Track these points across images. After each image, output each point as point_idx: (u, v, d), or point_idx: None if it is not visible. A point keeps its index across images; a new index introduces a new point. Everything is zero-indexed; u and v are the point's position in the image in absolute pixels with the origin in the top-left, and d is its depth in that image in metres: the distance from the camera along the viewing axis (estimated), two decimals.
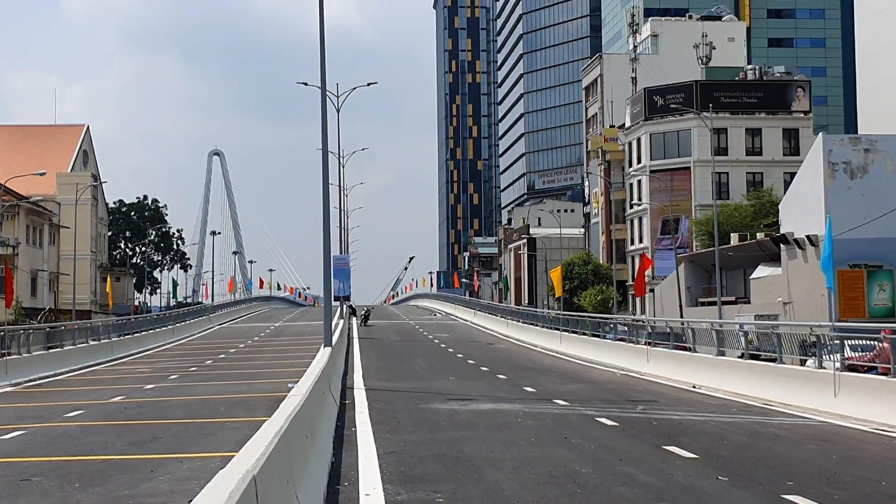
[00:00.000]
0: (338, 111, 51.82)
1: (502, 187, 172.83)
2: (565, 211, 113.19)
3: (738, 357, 25.11)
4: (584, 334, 40.06)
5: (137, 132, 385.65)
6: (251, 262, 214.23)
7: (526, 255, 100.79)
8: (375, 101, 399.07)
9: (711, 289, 62.88)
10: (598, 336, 38.24)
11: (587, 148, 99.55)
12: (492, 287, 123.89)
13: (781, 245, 48.99)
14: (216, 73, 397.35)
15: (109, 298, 61.91)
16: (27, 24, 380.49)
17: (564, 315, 46.01)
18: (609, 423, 17.36)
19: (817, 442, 15.19)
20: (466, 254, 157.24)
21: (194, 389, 25.95)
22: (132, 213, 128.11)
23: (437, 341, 48.39)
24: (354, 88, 51.44)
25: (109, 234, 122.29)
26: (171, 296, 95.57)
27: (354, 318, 66.22)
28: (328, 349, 23.86)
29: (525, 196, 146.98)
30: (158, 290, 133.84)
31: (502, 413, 19.03)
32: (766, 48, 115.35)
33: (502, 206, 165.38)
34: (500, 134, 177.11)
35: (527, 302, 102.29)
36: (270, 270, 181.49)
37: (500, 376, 28.93)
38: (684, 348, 28.96)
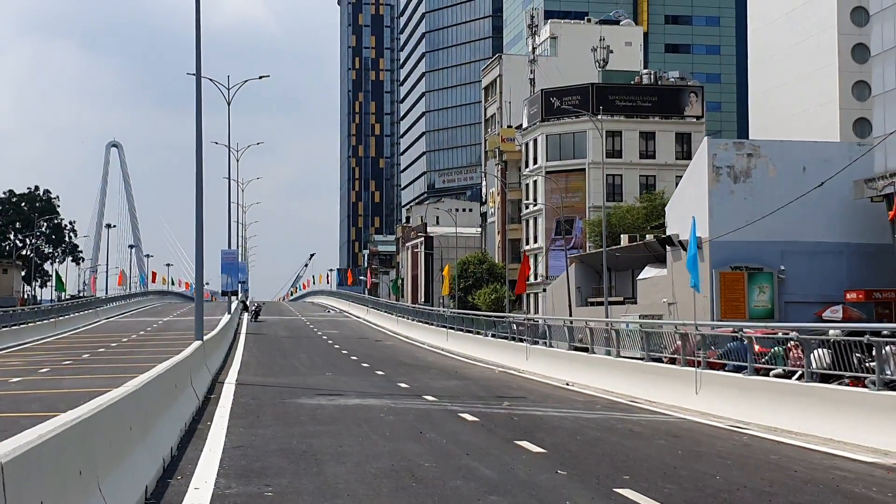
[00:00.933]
0: (228, 103, 51.21)
1: (403, 186, 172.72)
2: (463, 210, 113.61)
3: (605, 355, 25.50)
4: (469, 332, 40.20)
5: (35, 122, 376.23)
6: (148, 256, 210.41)
7: (423, 253, 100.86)
8: (279, 97, 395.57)
9: (601, 289, 63.68)
10: (480, 334, 38.37)
11: (485, 148, 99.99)
12: (388, 285, 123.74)
13: (667, 246, 49.78)
14: (117, 63, 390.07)
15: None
16: None
17: (451, 313, 46.13)
18: (470, 418, 17.34)
19: (668, 438, 15.35)
20: (367, 252, 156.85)
21: (61, 383, 25.23)
22: (22, 204, 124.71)
23: (325, 338, 48.07)
24: (246, 81, 51.03)
25: None
26: (56, 288, 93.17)
27: (246, 314, 65.50)
28: (197, 343, 23.47)
29: (425, 195, 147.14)
30: (49, 283, 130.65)
31: (367, 408, 18.90)
32: (662, 53, 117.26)
33: (402, 204, 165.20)
34: (401, 132, 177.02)
35: (423, 300, 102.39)
36: (168, 265, 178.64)
37: (379, 372, 28.79)
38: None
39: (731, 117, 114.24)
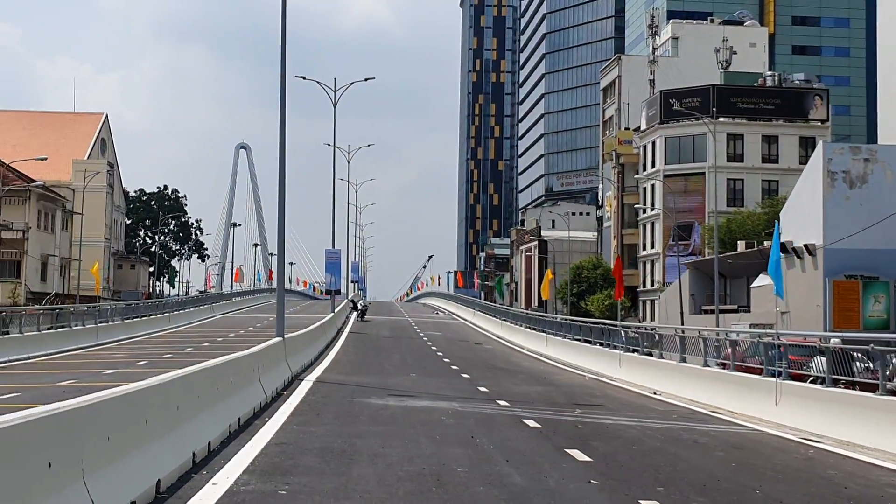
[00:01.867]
0: (334, 105, 51.82)
1: (521, 188, 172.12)
2: (580, 214, 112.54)
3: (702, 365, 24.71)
4: (566, 337, 39.68)
5: (169, 123, 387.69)
6: (272, 254, 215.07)
7: (536, 257, 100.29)
8: (401, 99, 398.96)
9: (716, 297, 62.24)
10: (577, 340, 37.80)
11: (602, 150, 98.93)
12: (504, 288, 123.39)
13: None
14: (247, 67, 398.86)
15: (97, 284, 61.56)
16: (59, 13, 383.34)
17: (550, 318, 45.70)
18: (533, 424, 16.95)
19: (729, 449, 14.74)
20: (483, 254, 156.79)
21: (149, 376, 25.67)
22: (152, 203, 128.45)
23: (425, 339, 48.07)
24: (351, 84, 51.50)
25: (129, 222, 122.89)
26: (170, 284, 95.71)
27: (355, 313, 66.02)
28: (276, 339, 23.63)
29: (543, 198, 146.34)
30: (176, 279, 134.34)
31: (432, 411, 18.67)
32: (790, 55, 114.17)
33: (520, 207, 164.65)
34: (520, 134, 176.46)
35: (536, 304, 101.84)
36: (291, 263, 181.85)
37: (464, 375, 28.55)
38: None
39: (860, 121, 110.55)
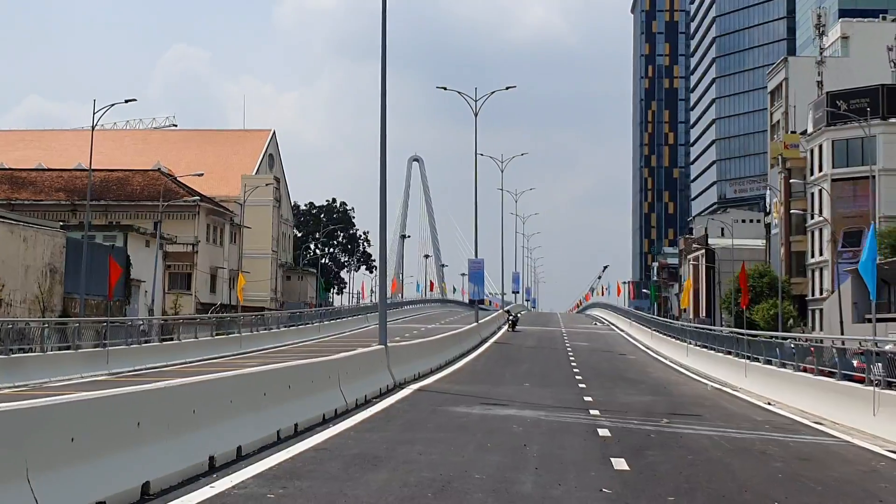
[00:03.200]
0: (475, 115, 51.79)
1: (693, 196, 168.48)
2: (750, 221, 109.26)
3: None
4: (706, 347, 38.55)
5: (344, 138, 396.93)
6: (443, 265, 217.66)
7: (703, 266, 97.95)
8: (575, 107, 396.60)
9: (880, 305, 59.37)
10: (713, 349, 36.66)
11: (769, 155, 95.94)
12: (674, 299, 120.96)
13: None
14: (420, 80, 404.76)
15: (239, 294, 63.33)
16: (244, 36, 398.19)
17: (692, 328, 44.52)
18: (604, 433, 16.50)
19: (794, 461, 14.00)
20: (656, 264, 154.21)
21: None
22: (321, 216, 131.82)
23: (569, 349, 47.52)
24: (493, 93, 51.46)
25: (300, 235, 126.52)
26: (320, 296, 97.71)
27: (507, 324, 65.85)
28: (376, 347, 23.80)
29: (715, 205, 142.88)
30: (345, 290, 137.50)
31: (510, 419, 18.41)
32: None
33: (692, 215, 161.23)
34: (692, 140, 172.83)
35: (704, 314, 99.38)
36: (462, 275, 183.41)
37: (581, 385, 28.07)
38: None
39: None
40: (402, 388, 24.15)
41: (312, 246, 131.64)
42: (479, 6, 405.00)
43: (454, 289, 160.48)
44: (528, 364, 37.25)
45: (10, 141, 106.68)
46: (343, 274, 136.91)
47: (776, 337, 32.00)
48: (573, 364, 37.60)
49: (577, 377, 31.34)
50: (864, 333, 50.92)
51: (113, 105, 48.68)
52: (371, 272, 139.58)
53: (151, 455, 10.13)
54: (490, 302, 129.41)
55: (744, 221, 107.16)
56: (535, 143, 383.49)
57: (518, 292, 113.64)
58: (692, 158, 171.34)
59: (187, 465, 10.97)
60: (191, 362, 35.52)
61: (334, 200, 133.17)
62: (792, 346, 25.35)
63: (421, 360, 29.89)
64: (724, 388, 28.81)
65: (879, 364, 18.46)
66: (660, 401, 24.26)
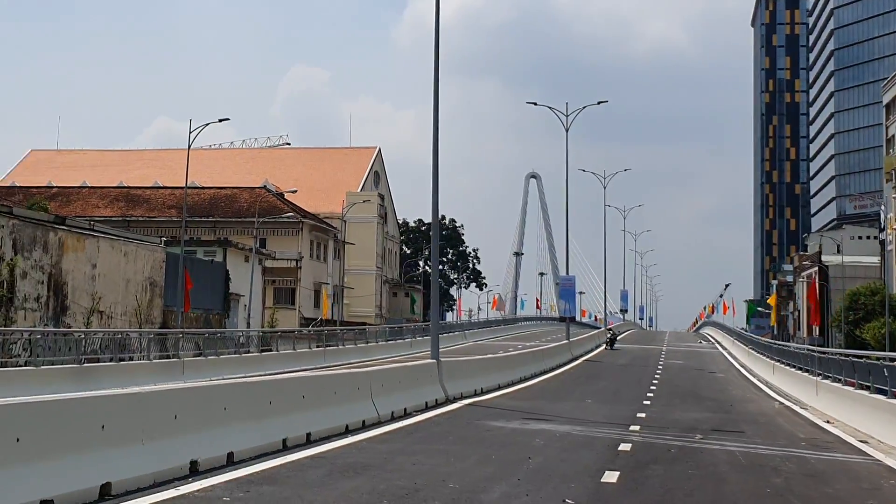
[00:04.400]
0: (566, 130, 51.61)
1: (813, 212, 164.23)
2: (867, 238, 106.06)
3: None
4: (790, 366, 37.63)
5: (461, 155, 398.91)
6: (558, 283, 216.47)
7: (817, 283, 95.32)
8: (694, 122, 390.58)
9: None
10: (799, 368, 35.78)
11: (884, 170, 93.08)
12: (790, 317, 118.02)
13: None
14: (539, 97, 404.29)
15: (324, 310, 64.14)
16: (362, 56, 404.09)
17: (777, 346, 43.49)
18: (623, 448, 16.38)
19: (797, 477, 13.70)
20: (776, 282, 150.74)
21: None
22: (430, 232, 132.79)
23: (659, 368, 46.87)
24: (584, 107, 51.22)
25: (409, 252, 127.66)
26: (411, 311, 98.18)
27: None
28: (425, 362, 23.98)
29: (835, 221, 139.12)
30: (454, 307, 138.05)
31: (538, 433, 18.33)
32: None
33: (812, 231, 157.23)
34: (811, 155, 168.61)
35: (817, 333, 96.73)
36: (580, 293, 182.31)
37: (645, 402, 27.72)
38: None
39: None
40: (453, 403, 24.27)
41: (422, 263, 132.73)
42: (598, 22, 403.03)
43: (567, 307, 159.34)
44: (606, 382, 36.94)
45: (130, 160, 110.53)
46: (453, 291, 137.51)
47: (857, 356, 31.11)
48: (654, 382, 37.15)
49: (649, 394, 30.97)
50: None
51: (207, 124, 50.29)
52: (481, 289, 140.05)
53: (115, 457, 10.49)
54: (603, 320, 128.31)
55: (860, 238, 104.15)
56: (654, 159, 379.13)
57: (626, 310, 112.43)
58: (812, 173, 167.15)
59: (163, 468, 11.30)
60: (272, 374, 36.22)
61: (443, 217, 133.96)
62: (852, 363, 24.59)
63: (484, 376, 29.89)
64: (793, 406, 28.15)
65: None
66: (714, 417, 23.85)
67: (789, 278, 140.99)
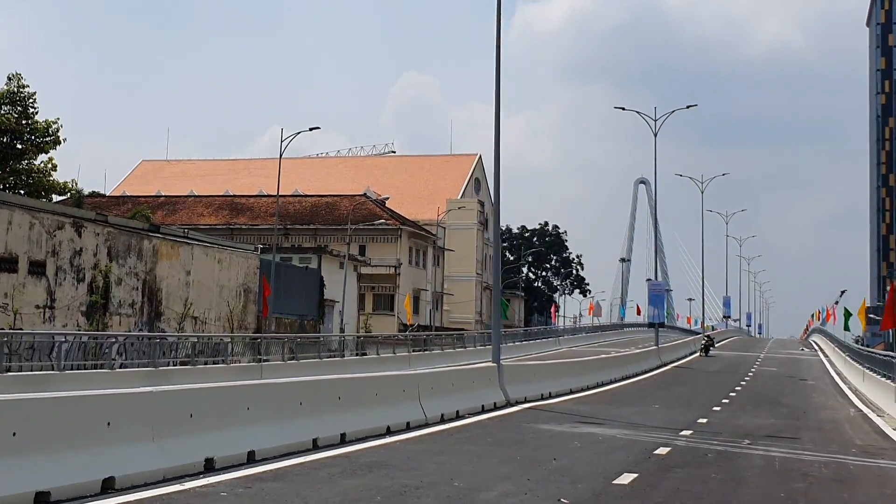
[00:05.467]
0: (655, 135, 51.20)
1: None
2: None
3: None
4: (873, 371, 36.67)
5: (570, 159, 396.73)
6: (668, 290, 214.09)
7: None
8: (808, 125, 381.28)
9: None
10: (876, 371, 34.87)
11: None
12: None
13: None
14: (649, 100, 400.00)
15: (408, 316, 64.47)
16: (472, 63, 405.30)
17: (865, 351, 42.39)
18: (660, 451, 16.31)
19: (821, 482, 13.48)
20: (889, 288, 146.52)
21: None
22: (533, 239, 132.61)
23: (749, 374, 46.04)
24: (672, 112, 50.70)
25: (512, 258, 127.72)
26: (503, 316, 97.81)
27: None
28: (483, 364, 24.12)
29: None
30: (559, 313, 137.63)
31: (582, 436, 18.32)
32: None
33: None
34: None
35: None
36: (689, 300, 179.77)
37: (715, 409, 27.32)
38: None
39: None
40: (513, 406, 24.37)
41: (525, 269, 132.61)
42: (710, 23, 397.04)
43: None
44: (686, 387, 36.50)
45: (237, 170, 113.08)
46: (557, 297, 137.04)
47: None
48: (737, 388, 36.59)
49: (724, 400, 30.53)
50: None
51: (299, 133, 51.35)
52: (584, 295, 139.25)
53: (120, 453, 10.92)
54: (712, 327, 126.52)
55: None
56: (769, 162, 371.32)
57: (729, 316, 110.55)
58: None
59: (173, 464, 11.70)
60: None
61: (546, 224, 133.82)
62: None
63: (554, 380, 29.87)
64: (870, 413, 27.47)
65: None
66: (779, 423, 23.44)
67: None
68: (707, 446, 17.61)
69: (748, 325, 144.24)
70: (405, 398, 18.80)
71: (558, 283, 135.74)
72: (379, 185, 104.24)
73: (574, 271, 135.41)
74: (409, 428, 18.25)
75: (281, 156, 51.92)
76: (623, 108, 52.87)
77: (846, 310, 66.87)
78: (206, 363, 39.00)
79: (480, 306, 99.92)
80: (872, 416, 26.90)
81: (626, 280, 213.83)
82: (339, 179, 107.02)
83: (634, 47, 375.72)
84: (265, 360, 37.51)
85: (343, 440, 15.76)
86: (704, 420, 23.25)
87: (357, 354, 48.57)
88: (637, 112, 51.84)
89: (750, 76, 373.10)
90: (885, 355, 33.88)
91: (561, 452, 15.65)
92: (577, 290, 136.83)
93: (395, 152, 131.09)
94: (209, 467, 12.30)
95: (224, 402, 13.16)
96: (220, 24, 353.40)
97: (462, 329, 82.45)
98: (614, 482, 12.65)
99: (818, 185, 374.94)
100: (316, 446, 14.85)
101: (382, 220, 78.26)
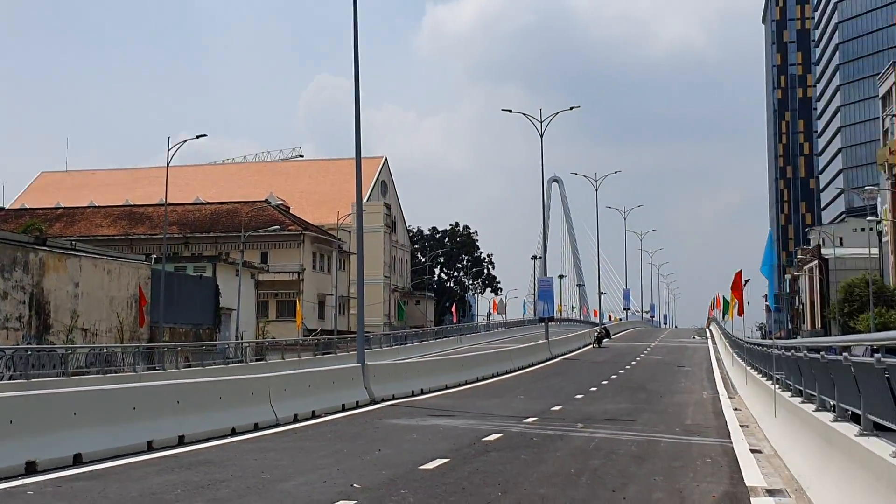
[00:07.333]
0: (541, 135, 52.44)
1: (823, 206, 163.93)
2: (870, 230, 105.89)
3: None
4: (734, 351, 38.39)
5: (487, 161, 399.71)
6: (580, 285, 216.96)
7: (817, 277, 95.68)
8: (711, 121, 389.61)
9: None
10: (738, 356, 36.50)
11: (878, 162, 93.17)
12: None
13: None
14: (558, 100, 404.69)
15: (297, 321, 65.12)
16: (385, 65, 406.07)
17: (734, 337, 44.19)
18: (488, 438, 17.26)
19: (626, 458, 14.48)
20: (788, 277, 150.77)
21: None
22: (445, 240, 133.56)
23: (632, 363, 47.55)
24: (557, 113, 52.13)
25: (423, 260, 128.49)
26: (399, 317, 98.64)
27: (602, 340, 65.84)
28: (351, 366, 24.91)
29: (844, 214, 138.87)
30: (469, 312, 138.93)
31: (425, 429, 19.18)
32: None
33: (824, 225, 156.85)
34: (819, 149, 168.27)
35: (819, 325, 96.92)
36: (601, 293, 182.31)
37: (578, 396, 28.53)
38: None
39: None
40: (377, 404, 25.21)
41: (437, 270, 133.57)
42: (616, 24, 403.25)
43: (572, 307, 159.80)
44: (563, 378, 37.70)
45: (137, 178, 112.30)
46: (470, 297, 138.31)
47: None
48: (613, 376, 37.97)
49: (592, 389, 31.73)
50: None
51: (186, 141, 51.52)
52: (496, 294, 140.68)
53: None
54: (620, 319, 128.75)
55: (861, 230, 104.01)
56: (674, 158, 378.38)
57: (629, 308, 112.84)
58: (821, 168, 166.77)
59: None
60: None
61: (457, 224, 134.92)
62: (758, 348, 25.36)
63: (430, 377, 30.83)
64: (723, 396, 28.91)
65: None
66: (628, 408, 24.63)
67: (797, 272, 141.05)
68: (540, 431, 18.63)
69: (652, 316, 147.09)
70: (254, 401, 19.50)
71: (470, 282, 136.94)
72: (283, 191, 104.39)
73: (486, 270, 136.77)
74: (256, 429, 18.95)
75: (168, 164, 52.09)
76: (510, 111, 54.18)
77: (724, 298, 68.93)
78: (98, 373, 39.20)
79: (389, 309, 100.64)
80: (724, 398, 28.29)
81: (535, 276, 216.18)
82: (243, 185, 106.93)
83: (543, 48, 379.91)
84: (153, 369, 37.69)
85: (182, 442, 16.42)
86: (559, 408, 24.34)
87: (257, 360, 49.27)
88: (524, 114, 53.18)
89: (655, 75, 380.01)
90: (744, 340, 35.45)
91: (391, 444, 16.52)
92: (488, 289, 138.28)
93: (302, 156, 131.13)
94: (31, 469, 12.91)
95: (49, 407, 13.76)
96: (124, 31, 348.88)
97: (367, 332, 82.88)
98: (420, 467, 13.50)
99: (721, 179, 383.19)
100: (151, 448, 15.50)
101: (278, 227, 78.48)
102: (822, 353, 13.09)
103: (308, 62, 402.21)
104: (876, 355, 9.01)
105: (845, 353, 11.20)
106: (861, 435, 9.72)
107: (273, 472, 13.16)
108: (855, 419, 10.90)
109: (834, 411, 12.02)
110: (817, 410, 13.15)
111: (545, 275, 58.47)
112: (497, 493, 11.49)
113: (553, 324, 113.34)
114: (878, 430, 9.61)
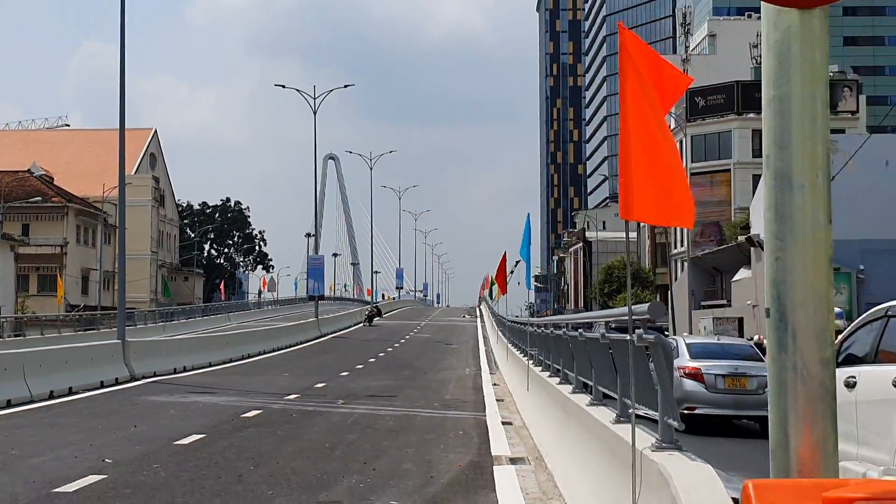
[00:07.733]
0: (314, 112, 52.55)
1: (589, 191, 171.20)
2: None
3: None
4: (502, 335, 39.69)
5: (263, 137, 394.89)
6: (354, 264, 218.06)
7: (581, 259, 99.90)
8: (487, 105, 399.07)
9: (712, 292, 61.52)
10: (502, 333, 37.86)
11: None
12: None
13: (751, 247, 47.58)
14: (337, 76, 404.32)
15: (58, 297, 63.38)
16: (155, 32, 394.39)
17: (497, 316, 45.78)
18: (248, 415, 17.39)
19: (383, 433, 14.98)
20: (556, 258, 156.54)
21: None
22: (216, 216, 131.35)
23: (401, 341, 48.46)
24: (330, 91, 52.28)
25: (194, 236, 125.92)
26: (164, 294, 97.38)
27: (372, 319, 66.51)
28: (112, 342, 24.46)
29: (608, 199, 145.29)
30: (240, 289, 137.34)
31: (183, 405, 19.18)
32: (841, 46, 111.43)
33: (588, 209, 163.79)
34: (587, 137, 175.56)
35: (582, 305, 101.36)
36: (375, 272, 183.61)
37: (343, 374, 28.88)
38: None
39: None
40: (138, 381, 24.86)
41: (207, 246, 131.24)
42: (396, 3, 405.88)
43: (344, 286, 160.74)
44: (330, 356, 38.08)
45: None
46: (241, 273, 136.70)
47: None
48: (381, 354, 38.61)
49: (359, 366, 32.18)
50: (697, 319, 52.83)
51: None
52: (267, 271, 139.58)
53: None
54: (394, 298, 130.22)
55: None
56: (452, 140, 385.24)
57: (402, 287, 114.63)
58: (588, 154, 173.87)
59: None
60: None
61: (228, 200, 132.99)
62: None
63: (192, 354, 30.59)
64: (485, 371, 29.99)
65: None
66: (392, 385, 25.19)
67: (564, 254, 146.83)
68: (300, 408, 18.91)
69: (425, 296, 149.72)
70: (7, 376, 18.95)
71: (241, 259, 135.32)
72: (47, 161, 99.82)
73: (257, 247, 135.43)
74: (9, 405, 18.44)
75: None
76: (283, 86, 53.96)
77: (492, 278, 71.06)
78: None
79: (156, 285, 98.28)
80: (485, 374, 29.37)
81: (309, 254, 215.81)
82: (3, 154, 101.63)
83: (322, 23, 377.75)
84: None
85: None
86: (322, 385, 24.66)
87: (14, 336, 47.06)
88: (297, 90, 53.06)
89: (435, 56, 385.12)
90: (506, 318, 36.78)
91: (147, 420, 16.45)
92: (260, 267, 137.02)
93: (69, 125, 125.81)
94: None
95: None
96: None
97: (132, 308, 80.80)
98: (175, 443, 13.55)
99: (497, 162, 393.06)
100: None
101: (40, 198, 75.29)
102: (564, 329, 13.92)
103: (77, 28, 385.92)
104: (601, 331, 9.77)
105: (580, 330, 12.01)
106: (591, 405, 10.47)
107: (23, 447, 12.95)
108: (591, 391, 11.72)
109: (574, 384, 12.83)
110: (561, 384, 13.97)
111: (317, 253, 58.62)
112: (249, 466, 11.72)
113: (325, 302, 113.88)
114: (608, 399, 10.39)
